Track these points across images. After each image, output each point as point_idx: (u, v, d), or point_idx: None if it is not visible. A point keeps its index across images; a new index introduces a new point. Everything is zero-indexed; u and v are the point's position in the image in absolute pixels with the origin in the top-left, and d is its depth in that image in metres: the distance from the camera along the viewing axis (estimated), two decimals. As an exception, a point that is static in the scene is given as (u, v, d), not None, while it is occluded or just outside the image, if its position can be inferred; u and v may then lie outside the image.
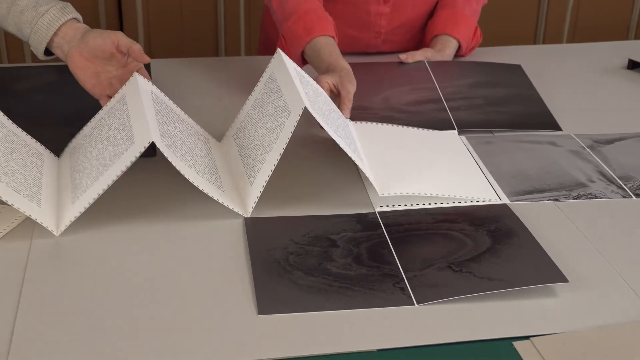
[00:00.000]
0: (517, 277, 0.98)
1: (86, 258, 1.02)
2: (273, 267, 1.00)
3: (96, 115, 1.19)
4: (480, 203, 1.14)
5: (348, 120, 1.26)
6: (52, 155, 1.18)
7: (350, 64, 1.37)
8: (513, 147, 1.32)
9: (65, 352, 0.86)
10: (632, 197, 1.18)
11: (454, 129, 1.34)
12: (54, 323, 0.90)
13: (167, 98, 1.21)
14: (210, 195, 1.08)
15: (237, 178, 1.14)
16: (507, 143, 1.33)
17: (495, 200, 1.15)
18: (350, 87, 1.29)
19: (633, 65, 1.63)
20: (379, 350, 0.87)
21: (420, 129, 1.31)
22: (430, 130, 1.31)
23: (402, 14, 1.63)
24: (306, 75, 1.20)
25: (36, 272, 0.98)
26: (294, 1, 1.46)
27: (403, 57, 1.55)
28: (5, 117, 1.12)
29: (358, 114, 1.35)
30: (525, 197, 1.17)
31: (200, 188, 1.07)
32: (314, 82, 1.22)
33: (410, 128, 1.30)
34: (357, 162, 1.11)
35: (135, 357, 0.85)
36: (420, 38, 1.70)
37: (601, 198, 1.17)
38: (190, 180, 1.07)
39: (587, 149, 1.31)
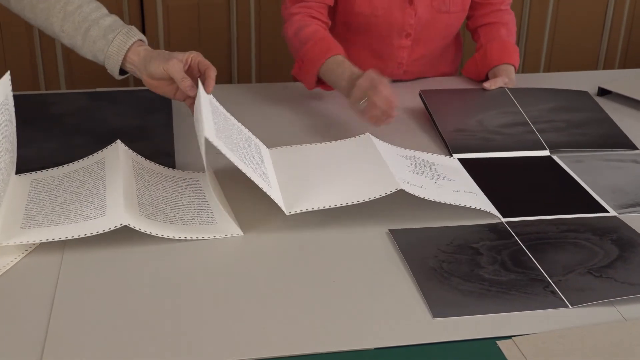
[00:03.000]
0: (655, 281, 1.05)
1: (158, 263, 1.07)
2: (431, 274, 1.06)
3: (70, 164, 1.24)
4: (382, 195, 1.17)
5: (261, 146, 1.31)
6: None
7: (438, 90, 1.42)
8: (602, 165, 1.41)
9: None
10: None
11: (546, 149, 1.42)
12: (87, 328, 0.95)
13: (149, 162, 1.25)
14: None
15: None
16: (595, 162, 1.42)
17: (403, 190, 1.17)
18: (384, 90, 1.39)
19: (602, 92, 1.75)
20: (375, 348, 0.93)
21: (334, 141, 1.36)
22: (344, 140, 1.36)
23: (422, 47, 1.72)
24: (220, 107, 1.26)
25: (69, 281, 1.03)
26: (309, 30, 1.58)
27: (487, 85, 1.64)
28: None
29: (458, 136, 1.43)
30: (630, 209, 1.25)
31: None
32: (227, 114, 1.28)
33: (323, 143, 1.36)
34: (261, 184, 1.16)
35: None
36: (437, 69, 1.81)
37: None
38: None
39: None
